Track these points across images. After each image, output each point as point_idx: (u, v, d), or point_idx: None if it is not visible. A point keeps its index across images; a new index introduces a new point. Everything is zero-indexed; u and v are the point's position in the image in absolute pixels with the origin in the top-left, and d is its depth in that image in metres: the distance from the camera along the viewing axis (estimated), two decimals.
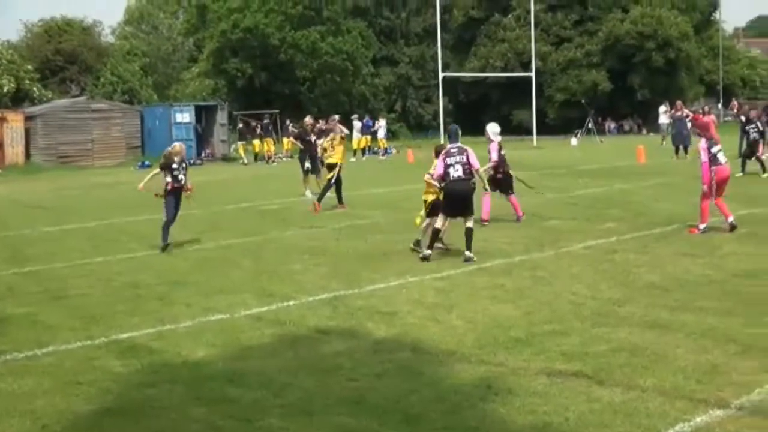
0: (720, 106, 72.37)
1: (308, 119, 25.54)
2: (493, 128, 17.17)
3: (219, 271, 12.88)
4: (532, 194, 19.40)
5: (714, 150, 14.34)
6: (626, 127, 67.02)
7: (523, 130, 58.12)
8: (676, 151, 33.44)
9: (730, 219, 14.18)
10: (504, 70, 63.21)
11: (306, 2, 59.53)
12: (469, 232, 12.86)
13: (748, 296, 9.75)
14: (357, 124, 44.23)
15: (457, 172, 12.89)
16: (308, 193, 22.85)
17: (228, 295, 10.97)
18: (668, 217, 16.31)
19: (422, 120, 66.80)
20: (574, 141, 51.04)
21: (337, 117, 23.10)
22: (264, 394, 7.17)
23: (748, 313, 8.96)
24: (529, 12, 55.36)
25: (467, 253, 12.72)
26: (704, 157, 14.39)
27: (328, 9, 61.05)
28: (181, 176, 15.12)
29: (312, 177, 23.29)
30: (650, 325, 8.68)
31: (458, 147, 13.13)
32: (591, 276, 11.33)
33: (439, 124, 50.49)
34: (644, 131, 63.00)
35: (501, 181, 16.77)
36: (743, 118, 32.28)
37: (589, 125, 56.29)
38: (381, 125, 47.05)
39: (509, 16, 67.55)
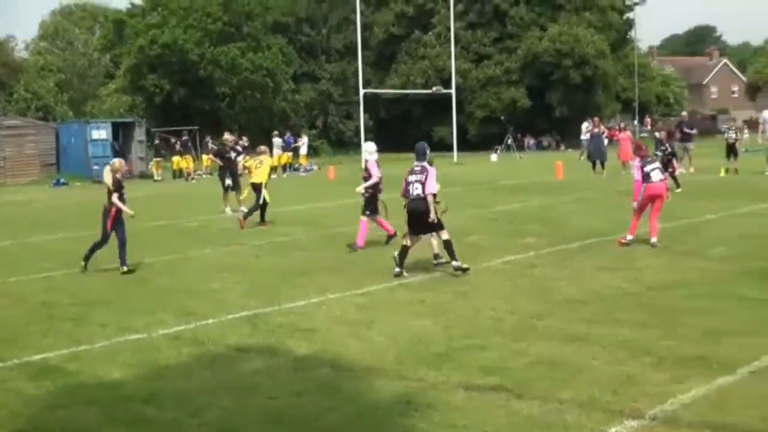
0: (636, 122, 73.87)
1: (228, 136, 25.34)
2: (368, 147, 16.78)
3: (136, 290, 12.67)
4: (455, 210, 19.48)
5: (647, 169, 14.63)
6: (545, 143, 68.00)
7: (444, 147, 58.48)
8: (593, 166, 33.99)
9: (653, 240, 14.43)
10: (425, 86, 63.65)
11: (226, 18, 59.24)
12: (447, 245, 12.78)
13: (662, 308, 9.93)
14: (277, 141, 44.05)
15: (416, 190, 12.84)
16: (228, 210, 22.66)
17: (145, 315, 10.78)
18: (586, 232, 16.54)
19: (343, 136, 66.96)
20: (494, 157, 51.58)
21: (263, 148, 22.74)
22: (181, 414, 7.06)
23: (663, 325, 9.12)
24: (449, 29, 55.85)
25: (454, 263, 12.64)
26: (637, 176, 14.77)
27: (248, 25, 60.84)
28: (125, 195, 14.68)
29: (232, 194, 23.10)
30: (568, 338, 8.78)
31: (421, 166, 13.07)
32: (510, 291, 11.43)
33: (360, 141, 50.57)
34: (562, 147, 63.98)
35: (368, 200, 16.14)
36: (657, 134, 33.07)
37: (509, 141, 56.99)
38: (303, 142, 46.94)
39: (429, 33, 68.12)
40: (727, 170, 29.61)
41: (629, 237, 14.61)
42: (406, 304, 10.84)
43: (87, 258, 14.37)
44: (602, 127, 36.61)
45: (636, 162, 14.95)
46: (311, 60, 68.78)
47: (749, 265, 12.41)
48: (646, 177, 14.61)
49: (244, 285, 12.66)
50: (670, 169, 25.22)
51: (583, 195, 24.71)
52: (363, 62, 52.50)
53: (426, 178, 12.80)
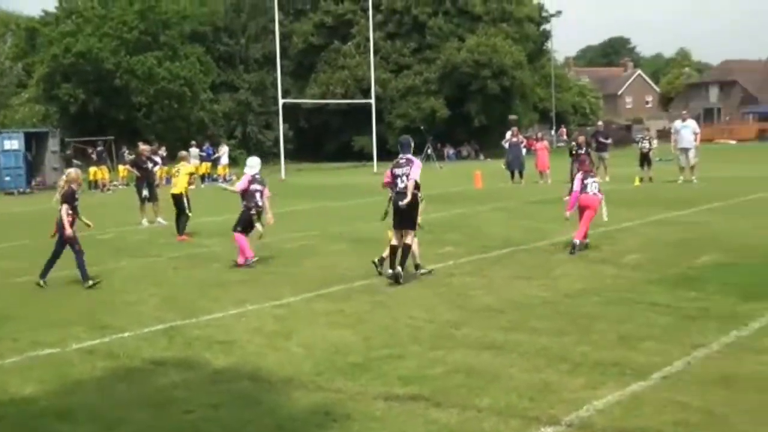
0: (553, 132, 75.07)
1: (144, 146, 25.01)
2: (250, 162, 16.19)
3: (49, 304, 12.38)
4: (373, 221, 19.47)
5: (587, 181, 15.21)
6: (464, 153, 68.56)
7: (364, 156, 58.71)
8: (512, 176, 34.40)
9: (576, 241, 14.78)
10: (344, 96, 63.75)
11: (142, 27, 58.51)
12: (405, 249, 12.68)
13: (578, 315, 10.07)
14: (194, 151, 43.62)
15: (402, 183, 12.82)
16: (145, 222, 22.38)
17: (58, 329, 10.54)
18: (504, 241, 16.71)
19: (263, 146, 66.47)
20: None
21: (183, 153, 22.49)
22: (96, 429, 6.92)
23: (578, 332, 9.25)
24: (368, 40, 56.05)
25: (396, 269, 12.52)
26: (576, 187, 15.35)
27: (165, 34, 60.19)
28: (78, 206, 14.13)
29: (149, 205, 22.80)
30: (486, 346, 8.84)
31: (406, 158, 13.04)
32: (429, 299, 11.47)
33: (279, 151, 50.39)
34: (482, 157, 64.60)
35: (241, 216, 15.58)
36: (573, 143, 33.70)
37: (429, 151, 57.25)
38: (224, 152, 46.54)
39: (349, 43, 68.27)
40: (641, 179, 30.24)
41: (576, 241, 14.90)
42: (325, 314, 10.80)
43: (44, 274, 13.77)
44: (520, 137, 37.11)
45: (579, 174, 15.49)
46: (230, 69, 68.32)
47: (662, 272, 12.66)
48: (583, 188, 15.17)
49: (160, 297, 12.48)
50: None
51: (501, 204, 24.96)
52: (282, 72, 52.42)
53: (411, 169, 12.79)
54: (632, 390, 7.25)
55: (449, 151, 66.62)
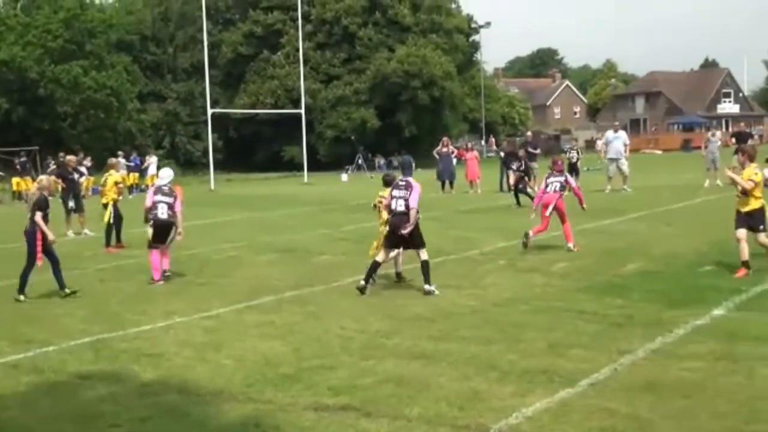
0: (483, 142, 75.74)
1: (70, 156, 24.61)
2: (161, 173, 15.74)
3: None
4: (305, 230, 19.49)
5: (548, 180, 16.50)
6: (395, 163, 68.67)
7: (295, 166, 58.55)
8: (442, 186, 34.60)
9: (569, 245, 15.93)
10: (274, 106, 63.52)
11: (67, 35, 57.55)
12: (425, 265, 12.58)
13: (507, 324, 10.15)
14: (122, 162, 43.00)
15: (400, 206, 12.71)
16: (70, 233, 22.00)
17: None
18: (434, 250, 16.67)
19: (192, 156, 65.91)
20: (344, 177, 51.83)
21: (112, 161, 22.17)
22: None
23: (507, 340, 9.33)
24: (298, 50, 55.99)
25: (426, 286, 12.43)
26: (542, 186, 16.81)
27: (91, 43, 59.28)
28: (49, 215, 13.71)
29: (75, 216, 22.45)
30: (416, 355, 8.86)
31: (406, 182, 13.03)
32: (360, 310, 11.46)
33: (209, 161, 49.97)
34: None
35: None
36: (502, 154, 34.13)
37: (359, 161, 57.39)
38: (152, 162, 45.93)
39: (278, 53, 68.06)
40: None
41: (531, 234, 15.98)
42: (255, 326, 10.73)
43: (22, 289, 13.29)
44: (451, 147, 37.37)
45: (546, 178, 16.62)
46: (157, 79, 67.59)
47: (589, 281, 12.85)
48: (546, 187, 16.39)
49: (87, 310, 12.28)
50: (521, 185, 26.05)
51: (431, 214, 24.97)
52: (211, 82, 52.08)
53: (410, 194, 12.72)
54: (560, 397, 7.33)
55: (380, 161, 66.74)
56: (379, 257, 12.86)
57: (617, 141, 30.41)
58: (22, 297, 13.22)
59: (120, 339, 10.28)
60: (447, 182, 34.67)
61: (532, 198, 24.55)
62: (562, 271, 13.78)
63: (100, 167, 49.98)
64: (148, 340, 10.17)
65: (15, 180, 42.02)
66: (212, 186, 45.72)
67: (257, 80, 68.08)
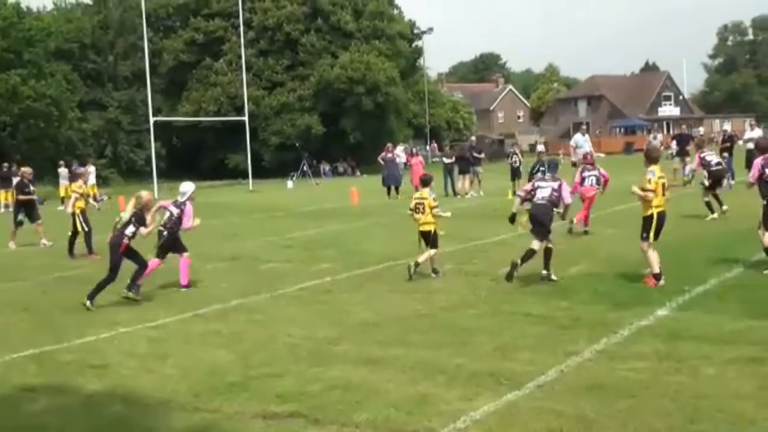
0: (428, 147, 76.05)
1: (25, 168, 24.11)
2: (181, 188, 15.52)
3: None
4: (251, 238, 19.36)
5: (585, 174, 18.39)
6: (340, 170, 68.72)
7: (239, 174, 58.26)
8: (388, 191, 34.66)
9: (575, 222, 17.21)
10: (217, 114, 63.16)
11: (4, 44, 56.59)
12: (548, 252, 13.11)
13: (454, 328, 10.19)
14: (63, 171, 42.45)
15: (543, 194, 13.28)
16: (12, 245, 21.67)
17: None
18: (380, 256, 16.80)
19: (135, 165, 65.23)
20: (290, 184, 51.69)
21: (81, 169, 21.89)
22: None
23: (454, 344, 9.37)
24: (240, 57, 55.76)
25: (544, 272, 13.10)
26: (576, 179, 18.60)
27: (29, 51, 58.35)
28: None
29: (33, 226, 22.17)
30: (363, 361, 8.86)
31: (553, 177, 13.69)
32: (306, 317, 11.44)
33: (152, 169, 49.51)
34: (358, 173, 64.88)
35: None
36: (445, 159, 34.32)
37: (305, 168, 57.27)
38: (90, 171, 45.26)
39: (221, 60, 67.75)
40: (513, 192, 30.81)
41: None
42: (201, 335, 10.65)
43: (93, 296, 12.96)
44: (396, 152, 37.47)
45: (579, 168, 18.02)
46: (98, 87, 66.75)
47: (535, 283, 12.94)
48: (582, 181, 17.83)
49: (29, 322, 12.10)
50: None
51: (378, 220, 25.11)
52: (153, 90, 51.71)
53: (560, 187, 13.33)
54: (507, 399, 7.38)
55: (325, 167, 66.69)
56: (534, 245, 13.17)
57: (587, 144, 30.66)
58: (88, 303, 12.82)
59: (64, 351, 10.15)
60: (393, 187, 34.73)
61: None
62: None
63: (41, 177, 49.38)
64: (93, 352, 10.04)
65: None
66: (156, 195, 45.26)
67: (200, 88, 67.66)
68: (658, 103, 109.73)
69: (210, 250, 19.18)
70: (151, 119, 49.02)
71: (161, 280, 15.41)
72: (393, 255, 16.69)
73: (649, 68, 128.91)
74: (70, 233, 19.69)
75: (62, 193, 42.06)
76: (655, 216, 12.14)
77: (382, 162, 36.11)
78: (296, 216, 27.98)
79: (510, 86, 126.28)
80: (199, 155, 66.93)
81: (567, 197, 13.50)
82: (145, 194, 13.80)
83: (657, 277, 12.13)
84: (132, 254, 13.44)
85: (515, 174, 31.95)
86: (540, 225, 13.15)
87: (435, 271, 14.21)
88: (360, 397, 7.62)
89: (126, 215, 13.31)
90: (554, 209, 13.38)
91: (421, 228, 14.28)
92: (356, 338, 9.95)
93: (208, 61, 68.27)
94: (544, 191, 13.31)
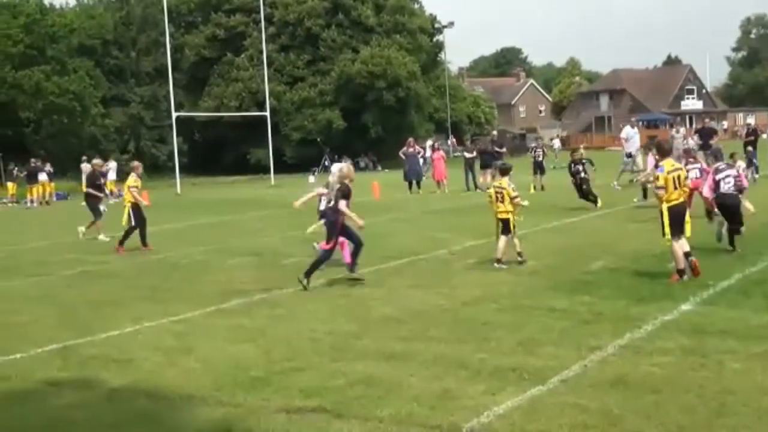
0: (449, 142, 75.94)
1: (96, 160, 23.68)
2: (334, 167, 16.11)
3: None
4: (269, 232, 19.41)
5: (719, 176, 15.42)
6: (362, 164, 68.70)
7: (261, 169, 58.37)
8: (410, 186, 34.66)
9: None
10: (239, 109, 63.30)
11: (28, 41, 56.99)
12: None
13: (476, 323, 10.17)
14: (86, 167, 42.62)
15: (728, 185, 13.92)
16: (102, 236, 21.39)
17: None
18: (402, 251, 16.80)
19: (157, 161, 65.49)
20: (311, 178, 51.70)
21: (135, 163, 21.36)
22: None
23: (477, 339, 9.35)
24: (261, 52, 55.87)
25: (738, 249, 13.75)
26: (709, 181, 16.30)
27: (52, 48, 58.74)
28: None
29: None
30: (386, 356, 8.86)
31: (726, 164, 14.35)
32: (329, 311, 11.45)
33: (174, 165, 49.70)
34: (379, 168, 64.88)
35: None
36: (466, 154, 34.28)
37: (326, 163, 57.28)
38: (111, 167, 45.47)
39: (242, 55, 67.88)
40: (535, 187, 30.75)
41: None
42: (224, 329, 10.68)
43: (309, 273, 13.23)
44: (417, 147, 37.46)
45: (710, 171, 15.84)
46: (121, 83, 67.08)
47: (557, 278, 12.90)
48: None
49: (54, 317, 12.16)
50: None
51: (399, 215, 25.11)
52: (175, 85, 51.86)
53: (739, 174, 14.07)
54: (531, 394, 7.36)
55: (347, 162, 66.66)
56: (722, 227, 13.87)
57: (637, 136, 30.40)
58: (304, 280, 13.05)
59: (88, 345, 10.20)
60: (414, 182, 34.74)
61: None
62: (530, 270, 13.83)
63: (64, 172, 49.77)
64: (117, 346, 10.09)
65: None
66: (179, 190, 45.48)
67: (221, 83, 67.86)
68: (681, 96, 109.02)
69: (233, 245, 19.28)
70: (174, 115, 49.19)
71: (184, 274, 15.50)
72: (415, 250, 16.70)
73: (672, 62, 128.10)
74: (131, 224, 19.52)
75: (84, 189, 42.29)
76: (664, 212, 12.01)
77: (403, 157, 36.11)
78: (318, 211, 27.95)
79: (531, 80, 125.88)
80: (221, 150, 67.11)
81: (745, 182, 14.79)
82: (345, 167, 14.17)
83: (680, 272, 12.03)
84: (347, 231, 13.66)
85: (538, 168, 31.88)
86: (732, 213, 14.03)
87: (519, 254, 14.41)
88: (383, 392, 7.63)
89: (327, 191, 13.85)
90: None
91: (500, 216, 14.45)
92: (378, 333, 9.95)
93: (229, 56, 68.44)
94: (728, 180, 13.99)
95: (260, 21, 56.14)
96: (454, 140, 74.78)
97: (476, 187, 32.80)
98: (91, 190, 22.11)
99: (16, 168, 43.21)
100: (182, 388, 8.14)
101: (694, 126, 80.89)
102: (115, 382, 8.54)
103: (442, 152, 37.06)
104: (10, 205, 41.50)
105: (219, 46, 69.20)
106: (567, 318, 10.19)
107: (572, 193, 23.81)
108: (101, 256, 18.78)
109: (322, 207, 14.79)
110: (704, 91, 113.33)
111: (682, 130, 35.13)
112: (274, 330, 10.49)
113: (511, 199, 14.32)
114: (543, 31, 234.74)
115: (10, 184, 42.95)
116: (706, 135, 30.89)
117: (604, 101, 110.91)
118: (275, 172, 52.50)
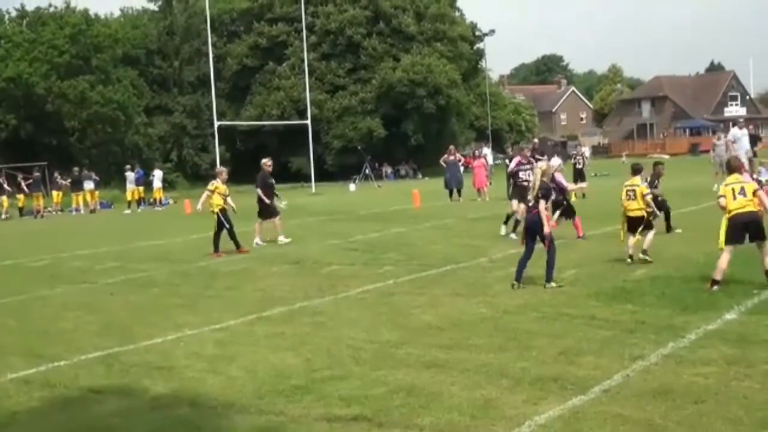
0: (489, 149, 75.71)
1: (265, 159, 23.50)
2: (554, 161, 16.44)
3: None
4: (313, 240, 19.45)
5: None
6: (402, 172, 68.82)
7: (302, 177, 58.59)
8: (450, 194, 34.61)
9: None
10: (281, 118, 63.61)
11: (73, 51, 57.79)
12: None
13: (517, 331, 10.12)
14: (130, 175, 43.13)
15: None
16: (282, 239, 21.42)
17: None
18: (442, 259, 16.77)
19: (199, 169, 66.03)
20: (352, 186, 51.91)
21: (220, 168, 21.18)
22: None
23: (518, 348, 9.30)
24: (303, 60, 56.13)
25: None
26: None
27: (97, 57, 59.51)
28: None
29: (272, 222, 21.84)
30: (427, 364, 8.84)
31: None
32: (369, 319, 11.45)
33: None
34: (420, 176, 64.90)
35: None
36: (507, 161, 34.05)
37: (367, 171, 57.50)
38: (156, 175, 46.01)
39: (284, 64, 68.25)
40: (576, 194, 30.54)
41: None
42: (266, 337, 10.72)
43: (519, 276, 13.22)
44: (458, 155, 37.42)
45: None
46: (164, 92, 67.80)
47: (599, 286, 12.80)
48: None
49: (97, 324, 12.29)
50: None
51: (439, 222, 25.08)
52: (217, 94, 52.25)
53: None
54: (573, 404, 7.30)
55: (387, 170, 66.83)
56: None
57: (745, 138, 29.77)
58: (552, 284, 13.01)
59: (131, 353, 10.28)
60: (455, 190, 34.67)
61: None
62: (571, 278, 13.73)
63: (108, 181, 50.34)
64: (159, 354, 10.17)
65: (19, 196, 42.13)
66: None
67: (263, 92, 68.24)
68: (724, 103, 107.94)
69: (274, 253, 19.35)
70: (216, 123, 49.56)
71: (226, 281, 15.58)
72: (455, 258, 16.66)
73: (715, 68, 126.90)
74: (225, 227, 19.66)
75: (128, 197, 42.77)
76: (723, 221, 12.11)
77: (444, 164, 36.06)
78: (358, 219, 28.06)
79: (572, 88, 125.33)
80: (262, 159, 67.33)
81: None
82: (544, 165, 13.99)
83: (713, 282, 11.92)
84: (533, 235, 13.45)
85: (578, 175, 31.70)
86: None
87: (644, 252, 14.61)
88: (423, 401, 7.61)
89: (534, 190, 13.37)
90: None
91: (632, 214, 14.77)
92: (419, 341, 9.93)
93: (271, 65, 68.81)
94: None
95: (302, 30, 56.43)
96: (486, 151, 74.59)
97: None
98: (260, 192, 21.84)
99: (60, 176, 43.73)
100: (224, 396, 8.18)
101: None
102: (157, 390, 8.60)
103: (483, 160, 36.97)
104: (55, 213, 42.01)
105: (261, 55, 69.62)
106: (609, 327, 10.11)
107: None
108: (142, 264, 18.94)
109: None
110: (748, 97, 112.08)
111: (723, 137, 34.29)
112: (315, 338, 10.50)
113: (643, 196, 14.72)
114: (584, 38, 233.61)
115: (55, 193, 43.47)
116: (750, 142, 30.49)
117: (645, 108, 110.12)
118: (316, 180, 52.68)
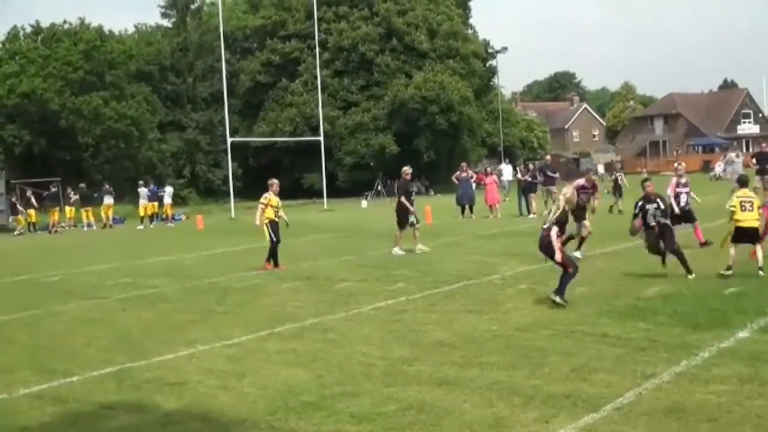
0: (500, 166, 75.69)
1: (406, 167, 23.83)
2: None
3: None
4: (325, 257, 19.46)
5: None
6: (414, 189, 68.60)
7: (314, 193, 58.68)
8: (462, 210, 34.57)
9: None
10: (293, 134, 63.77)
11: (87, 67, 58.12)
12: None
13: (529, 349, 10.09)
14: (143, 191, 43.23)
15: None
16: (397, 250, 21.53)
17: (5, 374, 10.33)
18: (455, 275, 16.74)
19: (212, 185, 66.29)
20: (364, 203, 51.92)
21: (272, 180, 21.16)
22: None
23: (530, 365, 9.27)
24: (315, 77, 56.29)
25: None
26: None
27: (110, 74, 59.85)
28: None
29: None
30: (438, 382, 8.82)
31: None
32: (381, 336, 11.44)
33: (229, 189, 50.15)
34: (432, 192, 64.88)
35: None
36: (520, 176, 34.14)
37: (379, 187, 57.48)
38: (166, 192, 46.03)
39: (297, 81, 68.50)
40: (612, 209, 30.49)
41: None
42: (277, 353, 10.72)
43: (561, 293, 12.91)
44: (470, 172, 37.39)
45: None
46: (177, 109, 68.06)
47: (611, 304, 12.75)
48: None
49: (109, 340, 12.31)
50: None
51: (451, 239, 25.06)
52: (230, 110, 52.40)
53: None
54: (585, 422, 7.27)
55: None
56: None
57: (739, 159, 30.85)
58: (558, 299, 12.79)
59: (143, 368, 10.29)
60: (467, 207, 34.64)
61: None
62: (583, 295, 13.68)
63: (121, 197, 50.50)
64: (171, 370, 10.17)
65: (30, 212, 42.37)
66: (233, 214, 45.87)
67: (276, 108, 68.46)
68: (737, 121, 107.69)
69: (285, 269, 19.35)
70: (229, 140, 49.68)
71: (237, 297, 15.60)
72: (467, 274, 16.64)
73: (728, 86, 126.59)
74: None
75: (141, 213, 42.89)
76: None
77: (456, 181, 36.05)
78: (370, 235, 28.06)
79: (585, 105, 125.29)
80: (275, 175, 66.88)
81: None
82: (569, 193, 13.50)
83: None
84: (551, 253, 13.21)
85: (617, 191, 31.84)
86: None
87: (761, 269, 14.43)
88: (435, 419, 7.59)
89: (552, 216, 13.25)
90: None
91: (746, 224, 14.57)
92: (431, 358, 9.91)
93: (284, 81, 69.07)
94: None
95: (315, 47, 56.60)
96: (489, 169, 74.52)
97: (529, 212, 32.58)
98: (404, 200, 21.98)
99: (72, 192, 43.96)
100: (235, 413, 8.18)
101: (750, 150, 79.81)
102: (169, 406, 8.61)
103: (495, 176, 36.95)
104: (68, 228, 42.17)
105: (274, 72, 69.88)
106: (621, 344, 10.07)
107: (624, 219, 23.57)
108: (154, 279, 18.97)
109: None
110: (761, 115, 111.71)
111: (733, 155, 34.60)
112: (327, 355, 10.50)
113: (760, 207, 14.95)
114: (597, 55, 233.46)
115: (68, 209, 43.65)
116: (764, 160, 30.51)
117: (658, 125, 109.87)
118: (328, 196, 52.72)
